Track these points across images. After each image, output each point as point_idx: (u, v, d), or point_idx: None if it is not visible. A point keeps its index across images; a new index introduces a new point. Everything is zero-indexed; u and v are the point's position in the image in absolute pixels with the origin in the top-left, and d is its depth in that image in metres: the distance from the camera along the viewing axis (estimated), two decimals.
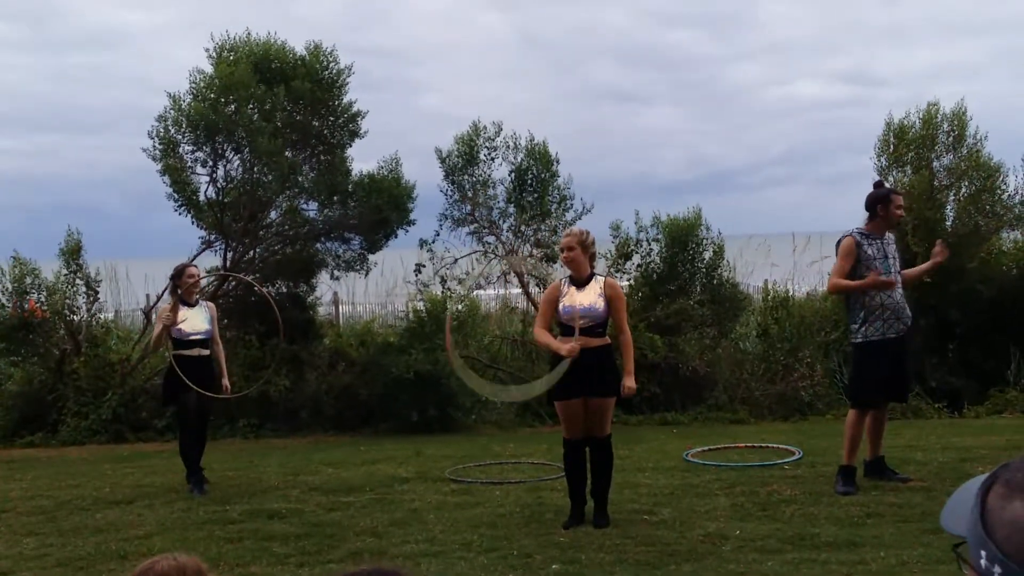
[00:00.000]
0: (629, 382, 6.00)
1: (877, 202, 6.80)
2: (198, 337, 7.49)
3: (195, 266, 8.06)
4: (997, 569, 1.14)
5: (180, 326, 7.40)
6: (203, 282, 8.11)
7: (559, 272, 11.03)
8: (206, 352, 7.55)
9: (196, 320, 7.51)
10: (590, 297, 5.95)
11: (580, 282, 6.03)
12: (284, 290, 11.66)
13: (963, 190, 11.35)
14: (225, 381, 7.76)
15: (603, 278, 6.11)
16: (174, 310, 7.39)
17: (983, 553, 1.15)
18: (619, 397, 6.13)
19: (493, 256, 11.75)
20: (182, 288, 7.52)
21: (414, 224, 11.73)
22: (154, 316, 8.01)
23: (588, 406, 5.98)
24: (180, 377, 7.31)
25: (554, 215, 11.59)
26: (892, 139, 11.44)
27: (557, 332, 6.24)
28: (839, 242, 6.82)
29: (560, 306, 6.02)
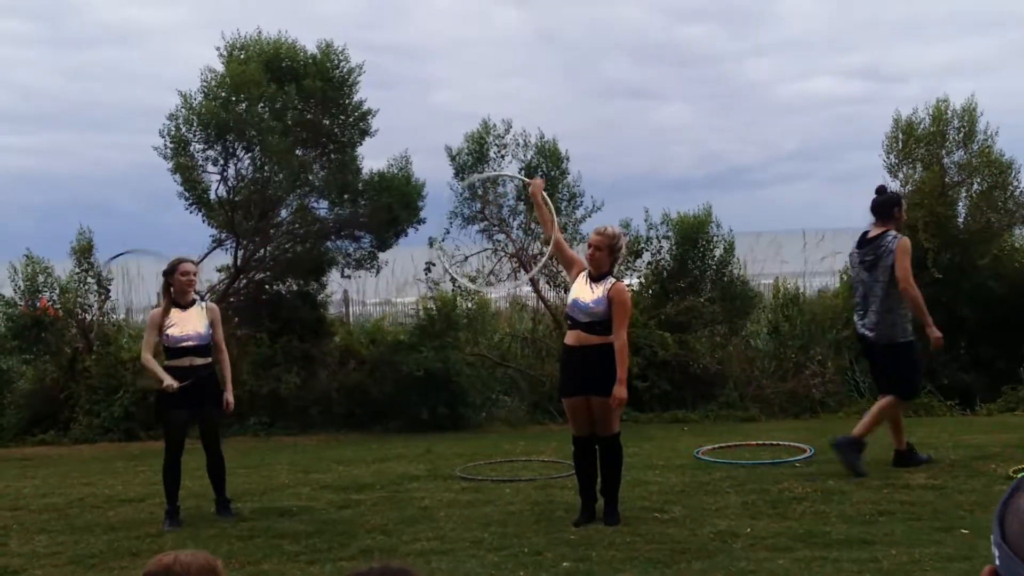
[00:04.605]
0: (618, 391, 5.82)
1: (895, 204, 7.13)
2: (189, 343, 6.42)
3: (191, 261, 6.85)
4: (996, 552, 1.20)
5: (168, 331, 6.42)
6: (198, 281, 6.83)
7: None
8: (201, 361, 6.46)
9: (188, 323, 6.46)
10: (596, 294, 5.98)
11: (595, 278, 6.05)
12: (295, 288, 11.70)
13: (975, 187, 11.31)
14: (228, 396, 6.61)
15: (613, 280, 6.08)
16: (164, 313, 6.45)
17: (992, 538, 1.20)
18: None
19: (503, 254, 11.74)
20: (175, 287, 6.51)
21: (424, 222, 11.75)
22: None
23: (591, 404, 5.98)
24: (169, 391, 6.41)
25: (564, 213, 11.58)
26: (900, 136, 11.40)
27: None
28: (889, 239, 6.94)
29: (570, 293, 6.14)
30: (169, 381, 6.35)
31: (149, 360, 6.48)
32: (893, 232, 7.00)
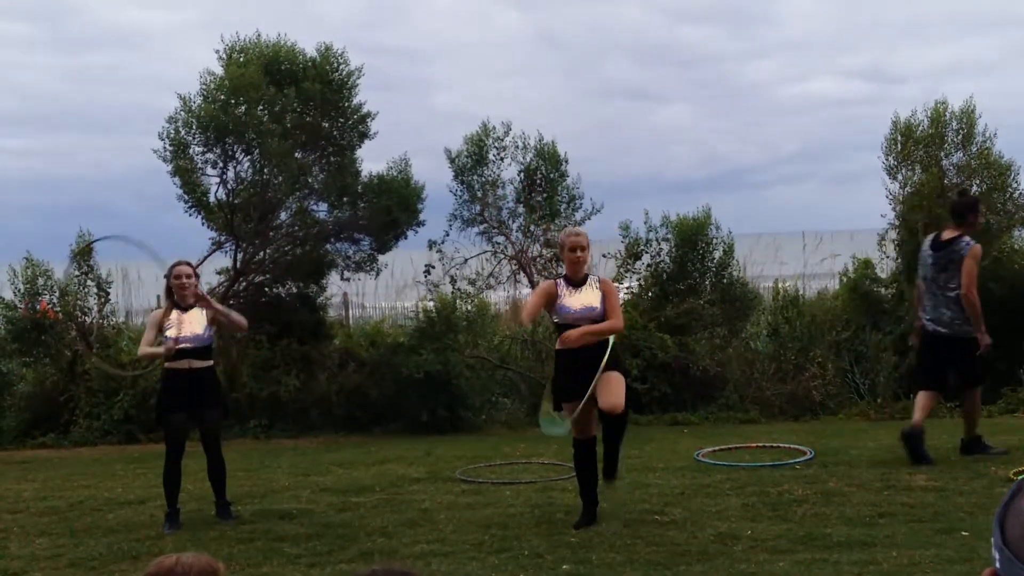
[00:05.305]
0: (573, 331, 5.86)
1: (969, 210, 7.54)
2: (186, 346, 6.42)
3: (188, 264, 6.79)
4: (996, 555, 1.20)
5: (167, 332, 6.43)
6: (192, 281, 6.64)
7: None
8: (200, 364, 6.48)
9: (186, 325, 6.46)
10: (588, 297, 5.99)
11: (576, 283, 6.05)
12: (294, 291, 11.70)
13: (973, 188, 11.31)
14: (210, 305, 6.57)
15: (595, 277, 6.19)
16: (165, 314, 6.50)
17: (992, 541, 1.21)
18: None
19: (503, 256, 11.74)
20: (174, 290, 6.57)
21: (423, 225, 11.76)
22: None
23: (601, 382, 5.86)
24: (168, 394, 6.54)
25: (563, 215, 11.59)
26: (899, 138, 11.41)
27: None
28: (963, 245, 7.31)
29: (559, 306, 6.03)
30: (168, 345, 6.38)
31: (143, 349, 6.58)
32: (968, 238, 7.38)
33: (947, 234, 7.51)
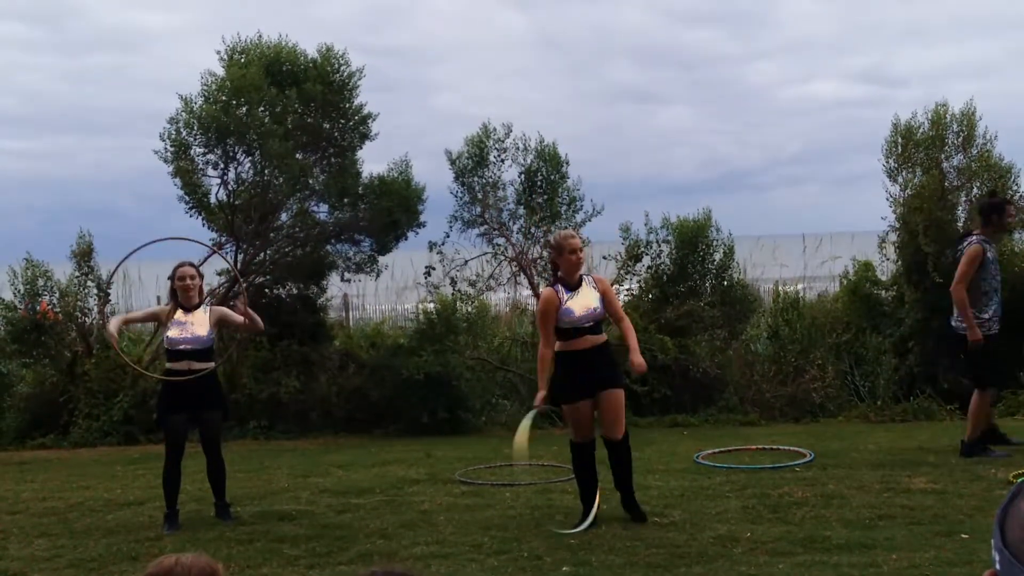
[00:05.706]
0: (637, 358, 5.96)
1: (992, 211, 7.67)
2: (186, 347, 6.43)
3: (191, 264, 6.78)
4: (996, 557, 1.19)
5: (168, 332, 6.49)
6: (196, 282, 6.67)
7: None
8: (201, 366, 6.43)
9: (188, 327, 6.47)
10: (587, 299, 6.01)
11: (572, 285, 6.04)
12: (295, 292, 11.69)
13: (974, 191, 11.30)
14: (252, 317, 6.67)
15: (589, 277, 6.22)
16: (170, 313, 6.54)
17: (992, 543, 1.21)
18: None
19: (503, 258, 11.73)
20: (179, 291, 6.58)
21: (424, 226, 11.76)
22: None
23: (602, 401, 5.96)
24: (168, 395, 6.55)
25: (564, 217, 11.58)
26: (899, 140, 11.40)
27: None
28: (966, 243, 7.54)
29: (561, 311, 6.00)
30: (111, 331, 6.63)
31: (114, 323, 6.80)
32: (973, 237, 7.57)
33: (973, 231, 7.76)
